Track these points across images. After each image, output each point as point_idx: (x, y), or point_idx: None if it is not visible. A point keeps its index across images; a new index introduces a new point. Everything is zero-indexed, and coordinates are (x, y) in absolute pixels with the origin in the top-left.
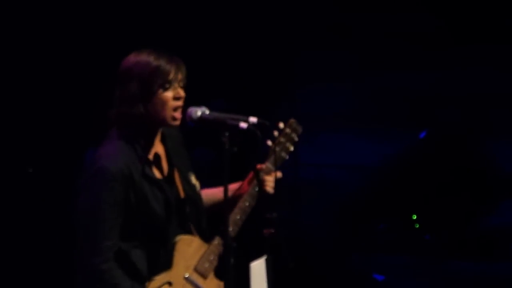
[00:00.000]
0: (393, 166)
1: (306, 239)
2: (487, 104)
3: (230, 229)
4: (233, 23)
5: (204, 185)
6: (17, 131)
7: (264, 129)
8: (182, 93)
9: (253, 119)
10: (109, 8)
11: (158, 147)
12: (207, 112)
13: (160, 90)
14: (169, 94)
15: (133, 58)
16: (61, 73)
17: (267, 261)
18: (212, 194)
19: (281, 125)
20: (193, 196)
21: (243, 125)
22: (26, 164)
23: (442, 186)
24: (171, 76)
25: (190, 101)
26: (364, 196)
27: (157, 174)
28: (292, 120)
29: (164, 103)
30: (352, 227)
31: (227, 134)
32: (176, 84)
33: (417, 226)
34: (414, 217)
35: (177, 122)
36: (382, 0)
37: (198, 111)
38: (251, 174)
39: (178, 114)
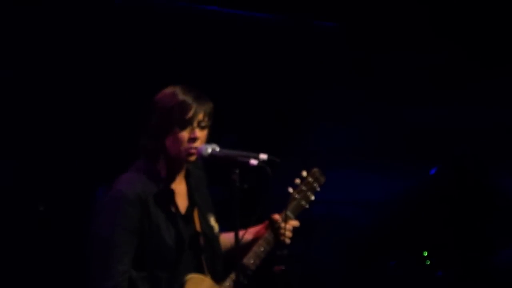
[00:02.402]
0: (404, 202)
1: (317, 276)
2: (497, 138)
3: (244, 273)
4: (247, 59)
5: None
6: (29, 169)
7: (274, 166)
8: (198, 134)
9: (263, 156)
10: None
11: (180, 183)
12: (217, 149)
13: (177, 128)
14: (185, 133)
15: (165, 90)
16: (75, 108)
17: None
18: (228, 238)
19: (304, 173)
20: (211, 236)
21: (253, 162)
22: (38, 202)
23: (454, 221)
24: (191, 113)
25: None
26: (375, 233)
27: (174, 208)
28: (315, 170)
29: (179, 142)
30: (363, 263)
31: (237, 171)
32: (195, 124)
33: (428, 262)
34: (425, 253)
35: (192, 158)
36: (389, 38)
37: (209, 148)
38: (268, 221)
39: (193, 151)
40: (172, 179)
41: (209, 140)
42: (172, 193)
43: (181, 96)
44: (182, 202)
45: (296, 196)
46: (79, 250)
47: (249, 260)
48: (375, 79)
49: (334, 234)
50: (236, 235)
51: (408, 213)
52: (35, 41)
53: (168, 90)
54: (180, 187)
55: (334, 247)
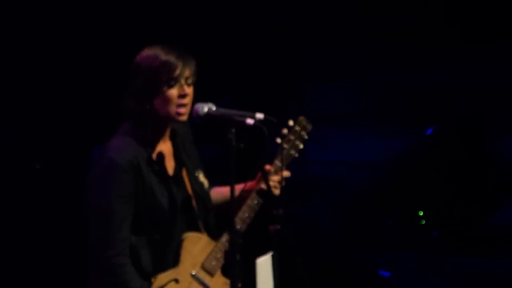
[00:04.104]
0: (400, 162)
1: (312, 236)
2: (495, 101)
3: (238, 227)
4: (243, 20)
5: (211, 182)
6: (24, 127)
7: (271, 126)
8: (187, 90)
9: (259, 115)
10: (117, 4)
11: (166, 144)
12: (214, 108)
13: (165, 87)
14: (173, 91)
15: (144, 52)
16: (70, 69)
17: (273, 257)
18: (221, 192)
19: (291, 122)
20: (201, 193)
21: (250, 121)
22: (34, 160)
23: (450, 182)
24: (177, 72)
25: (197, 97)
26: (371, 193)
27: (164, 170)
28: (301, 118)
29: (168, 100)
30: (359, 223)
31: (233, 130)
32: (182, 81)
33: (424, 222)
34: (421, 213)
35: (183, 118)
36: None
37: (205, 107)
38: (259, 173)
39: (183, 110)
40: (158, 140)
41: (204, 101)
42: (162, 156)
43: (165, 55)
44: (169, 163)
45: (285, 146)
46: (76, 209)
47: (244, 213)
48: (374, 40)
49: (331, 195)
50: (232, 195)
51: (404, 173)
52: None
53: (149, 51)
54: (166, 148)
55: (331, 208)
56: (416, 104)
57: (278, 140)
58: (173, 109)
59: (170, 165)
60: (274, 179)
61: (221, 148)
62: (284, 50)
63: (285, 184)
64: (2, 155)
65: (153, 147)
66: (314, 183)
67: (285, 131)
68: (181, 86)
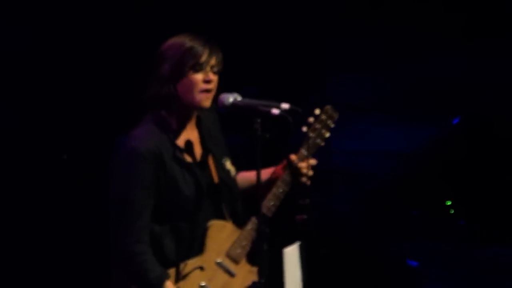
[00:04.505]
0: (427, 152)
1: (339, 225)
2: None
3: (264, 215)
4: (266, 10)
5: (238, 170)
6: (51, 118)
7: (296, 116)
8: (212, 77)
9: (285, 105)
10: None
11: (192, 131)
12: (239, 98)
13: (191, 72)
14: (198, 76)
15: (170, 40)
16: (95, 59)
17: (300, 247)
18: (247, 177)
19: (317, 111)
20: (228, 181)
21: (275, 111)
22: (61, 151)
23: (477, 170)
24: (203, 58)
25: (222, 88)
26: (398, 183)
27: (188, 158)
28: (328, 107)
29: (193, 84)
30: (386, 213)
31: (259, 120)
32: (208, 68)
33: (452, 211)
34: (449, 203)
35: (205, 104)
36: None
37: (230, 98)
38: (285, 161)
39: (206, 95)
40: (183, 128)
41: (229, 91)
42: (188, 143)
43: (191, 42)
44: (196, 150)
45: (311, 134)
46: (102, 199)
47: (269, 202)
48: (398, 29)
49: (356, 184)
50: (258, 185)
51: (431, 162)
52: None
53: (176, 38)
54: (192, 135)
55: (355, 197)
56: (443, 93)
57: (304, 129)
58: (196, 94)
59: (196, 152)
60: (301, 167)
61: (245, 138)
62: (308, 40)
63: (312, 173)
64: (29, 147)
65: (177, 134)
66: (339, 173)
67: (311, 119)
68: (206, 72)
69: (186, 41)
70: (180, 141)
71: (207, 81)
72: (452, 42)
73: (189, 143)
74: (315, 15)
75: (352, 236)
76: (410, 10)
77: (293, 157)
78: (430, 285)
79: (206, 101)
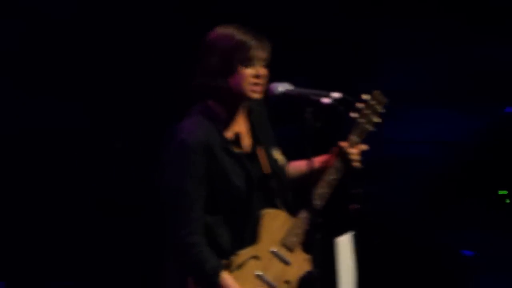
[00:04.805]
0: (481, 140)
1: (392, 215)
2: None
3: (316, 203)
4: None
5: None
6: (104, 108)
7: (347, 105)
8: (262, 71)
9: (336, 95)
10: None
11: (242, 122)
12: (290, 87)
13: (240, 66)
14: (248, 70)
15: (218, 31)
16: (148, 50)
17: (353, 236)
18: (297, 166)
19: (366, 96)
20: (278, 171)
21: (326, 100)
22: (115, 139)
23: None
24: (253, 52)
25: (273, 77)
26: (452, 172)
27: (238, 149)
28: (376, 92)
29: (243, 79)
30: (441, 203)
31: (310, 109)
32: (257, 63)
33: (508, 201)
34: (505, 192)
35: (256, 95)
36: None
37: (280, 87)
38: (336, 148)
39: (257, 88)
40: (233, 119)
41: (280, 81)
42: (236, 135)
43: (241, 35)
44: (246, 141)
45: (360, 120)
46: (155, 187)
47: (321, 189)
48: (456, 16)
49: (410, 174)
50: (311, 175)
51: (486, 151)
52: None
53: (224, 30)
54: (242, 126)
55: (411, 187)
56: (496, 82)
57: (353, 115)
58: (247, 87)
59: (247, 143)
60: (352, 153)
61: (296, 128)
62: (358, 28)
63: (364, 162)
64: (83, 135)
65: (226, 125)
66: (393, 162)
67: (360, 105)
68: (256, 67)
69: (235, 33)
70: (229, 132)
71: (257, 76)
72: (508, 31)
73: (238, 134)
74: (366, 3)
75: (405, 226)
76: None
77: (343, 143)
78: (484, 275)
79: (256, 93)
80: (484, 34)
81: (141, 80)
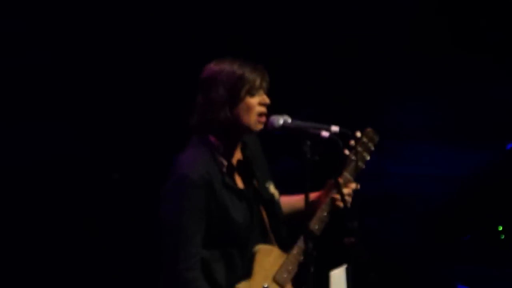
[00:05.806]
0: (479, 176)
1: (389, 249)
2: None
3: (310, 238)
4: (324, 33)
5: (286, 193)
6: (101, 137)
7: (346, 139)
8: (267, 99)
9: (335, 128)
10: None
11: (237, 156)
12: (289, 120)
13: (247, 96)
14: (255, 100)
15: (216, 66)
16: (148, 80)
17: (347, 269)
18: (290, 202)
19: (358, 134)
20: (272, 205)
21: (325, 134)
22: (112, 170)
23: None
24: (257, 83)
25: (276, 109)
26: (449, 207)
27: (237, 183)
28: (369, 129)
29: (250, 108)
30: (437, 237)
31: (308, 143)
32: (261, 91)
33: (503, 237)
34: (500, 228)
35: (259, 127)
36: (465, 17)
37: (280, 119)
38: (329, 183)
39: (263, 119)
40: (231, 153)
41: (284, 112)
42: (234, 168)
43: (242, 67)
44: (242, 175)
45: (353, 158)
46: (153, 217)
47: (314, 226)
48: (451, 54)
49: (409, 208)
50: (307, 207)
51: (483, 187)
52: None
53: (223, 65)
54: (238, 160)
55: (409, 221)
56: (496, 118)
57: (347, 152)
58: (253, 117)
59: (243, 177)
60: (345, 191)
61: (293, 160)
62: (368, 66)
63: (361, 197)
64: (80, 166)
65: (226, 159)
66: (391, 197)
67: (352, 142)
68: (261, 95)
69: (235, 67)
70: (228, 167)
71: (263, 104)
72: (507, 66)
73: (236, 169)
74: (372, 40)
75: (402, 260)
76: (466, 36)
77: (339, 179)
78: None
79: (260, 124)
80: (486, 72)
81: (140, 111)
